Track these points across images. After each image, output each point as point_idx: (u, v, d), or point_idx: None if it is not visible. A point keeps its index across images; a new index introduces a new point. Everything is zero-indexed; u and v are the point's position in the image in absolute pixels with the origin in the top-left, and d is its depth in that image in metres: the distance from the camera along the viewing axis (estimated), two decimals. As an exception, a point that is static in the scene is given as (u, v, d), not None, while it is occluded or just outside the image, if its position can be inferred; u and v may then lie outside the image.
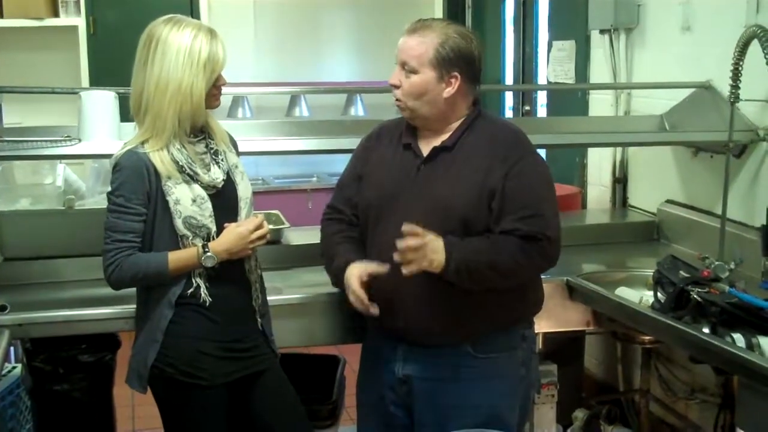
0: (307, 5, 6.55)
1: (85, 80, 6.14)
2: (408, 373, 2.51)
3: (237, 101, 5.91)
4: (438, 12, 6.37)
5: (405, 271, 2.28)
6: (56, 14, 6.22)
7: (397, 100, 2.47)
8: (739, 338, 2.41)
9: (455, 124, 2.48)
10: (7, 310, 2.70)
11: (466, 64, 2.42)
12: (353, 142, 3.17)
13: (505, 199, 2.36)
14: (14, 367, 3.29)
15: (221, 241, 2.43)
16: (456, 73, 2.41)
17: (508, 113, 5.84)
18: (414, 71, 2.41)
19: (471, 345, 2.46)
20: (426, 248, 2.27)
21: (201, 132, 2.50)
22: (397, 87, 2.45)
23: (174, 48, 2.35)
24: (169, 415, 2.53)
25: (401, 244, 2.26)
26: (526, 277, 2.48)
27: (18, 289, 3.02)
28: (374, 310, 2.41)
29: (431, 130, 2.50)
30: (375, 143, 2.64)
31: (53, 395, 2.99)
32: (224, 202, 2.48)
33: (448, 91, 2.42)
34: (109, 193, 2.42)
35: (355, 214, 2.61)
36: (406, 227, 2.27)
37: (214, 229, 2.44)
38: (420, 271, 2.29)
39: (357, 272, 2.43)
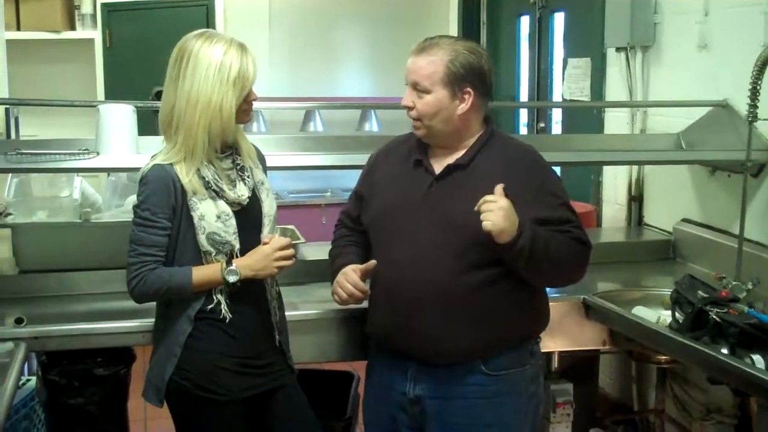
0: (322, 20, 6.58)
1: (100, 93, 6.19)
2: (419, 393, 2.49)
3: (252, 116, 5.90)
4: (453, 28, 6.37)
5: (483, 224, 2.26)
6: (73, 27, 6.30)
7: (414, 120, 2.47)
8: (758, 359, 2.40)
9: (469, 142, 2.47)
10: (23, 323, 2.70)
11: (478, 78, 2.41)
12: (368, 158, 3.18)
13: (545, 221, 2.38)
14: (28, 380, 3.29)
15: (245, 258, 2.43)
16: (469, 89, 2.40)
17: (523, 130, 5.83)
18: (426, 91, 2.39)
19: (482, 363, 2.44)
20: (503, 211, 2.24)
21: (228, 148, 2.50)
22: (410, 108, 2.44)
23: (204, 63, 2.35)
24: (184, 429, 2.53)
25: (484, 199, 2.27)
26: (565, 279, 2.54)
27: (33, 302, 3.03)
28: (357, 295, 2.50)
29: (444, 148, 2.49)
30: (382, 161, 2.64)
31: (67, 408, 2.98)
32: (248, 219, 2.48)
33: (462, 108, 2.41)
34: (134, 206, 2.42)
35: (360, 225, 2.65)
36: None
37: (237, 246, 2.43)
38: (494, 230, 2.24)
39: (350, 269, 2.51)
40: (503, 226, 2.25)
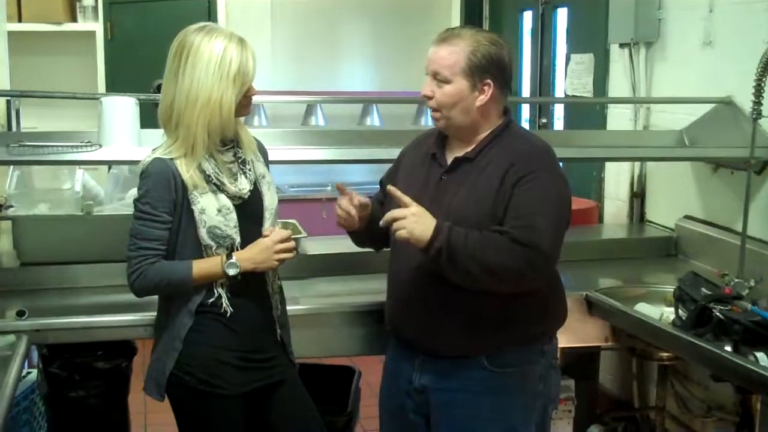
0: (324, 14, 6.56)
1: (101, 85, 6.18)
2: (424, 383, 2.50)
3: (253, 109, 5.87)
4: (455, 23, 6.36)
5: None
6: (74, 19, 6.29)
7: (432, 110, 2.46)
8: (762, 357, 2.39)
9: (483, 135, 2.45)
10: (25, 316, 2.70)
11: (498, 70, 2.40)
12: (369, 152, 3.19)
13: (507, 208, 2.33)
14: (29, 373, 3.28)
15: (246, 251, 2.42)
16: (489, 81, 2.38)
17: (525, 126, 5.82)
18: (446, 81, 2.38)
19: (486, 358, 2.43)
20: (410, 218, 2.27)
21: (230, 140, 2.48)
22: (429, 98, 2.43)
23: (204, 59, 2.33)
24: (185, 423, 2.52)
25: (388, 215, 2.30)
26: (509, 283, 2.35)
27: (35, 295, 3.02)
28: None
29: (461, 140, 2.48)
30: (408, 153, 2.65)
31: (68, 402, 2.98)
32: (249, 212, 2.47)
33: (482, 99, 2.39)
34: (135, 200, 2.41)
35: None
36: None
37: (238, 239, 2.42)
38: (404, 240, 2.28)
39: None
40: (417, 233, 2.27)
